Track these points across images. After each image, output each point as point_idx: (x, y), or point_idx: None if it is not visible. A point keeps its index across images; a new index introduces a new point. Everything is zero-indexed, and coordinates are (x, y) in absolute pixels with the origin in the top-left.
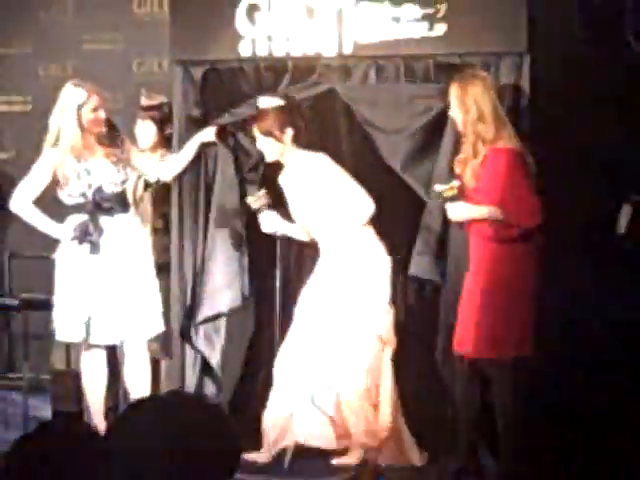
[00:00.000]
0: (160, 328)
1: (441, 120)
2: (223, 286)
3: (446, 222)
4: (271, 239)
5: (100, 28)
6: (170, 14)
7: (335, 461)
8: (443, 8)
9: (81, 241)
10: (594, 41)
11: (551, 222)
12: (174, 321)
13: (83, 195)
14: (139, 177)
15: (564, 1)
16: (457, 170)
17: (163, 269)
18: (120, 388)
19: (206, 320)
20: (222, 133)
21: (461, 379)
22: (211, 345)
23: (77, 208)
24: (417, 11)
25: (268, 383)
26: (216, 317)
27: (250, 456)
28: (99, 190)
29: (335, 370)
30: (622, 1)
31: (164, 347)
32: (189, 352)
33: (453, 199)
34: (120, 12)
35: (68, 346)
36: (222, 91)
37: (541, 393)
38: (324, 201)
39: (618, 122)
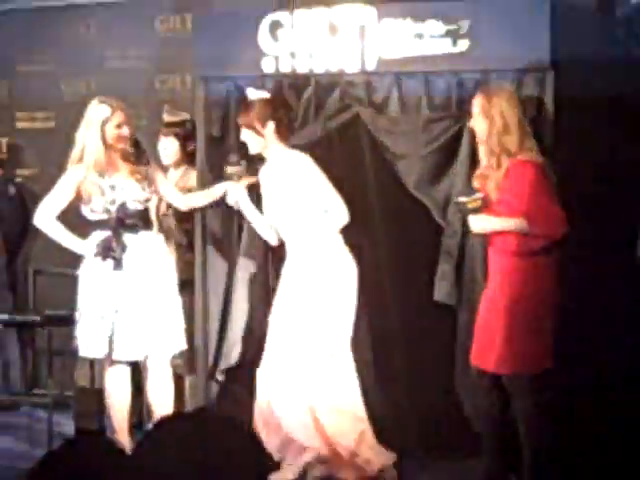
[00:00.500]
0: (182, 345)
1: (455, 142)
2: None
3: (464, 246)
4: None
5: (123, 45)
6: (193, 31)
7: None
8: (466, 24)
9: (104, 257)
10: (618, 56)
11: (570, 237)
12: (197, 337)
13: (106, 211)
14: None
15: (588, 16)
16: (476, 183)
17: (186, 285)
18: (144, 405)
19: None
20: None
21: (481, 394)
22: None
23: (101, 224)
24: (440, 27)
25: None
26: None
27: (276, 477)
28: (122, 207)
29: (307, 378)
30: None
31: (188, 363)
32: None
33: (476, 211)
34: (143, 29)
35: (92, 362)
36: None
37: (562, 407)
38: (300, 202)
39: None
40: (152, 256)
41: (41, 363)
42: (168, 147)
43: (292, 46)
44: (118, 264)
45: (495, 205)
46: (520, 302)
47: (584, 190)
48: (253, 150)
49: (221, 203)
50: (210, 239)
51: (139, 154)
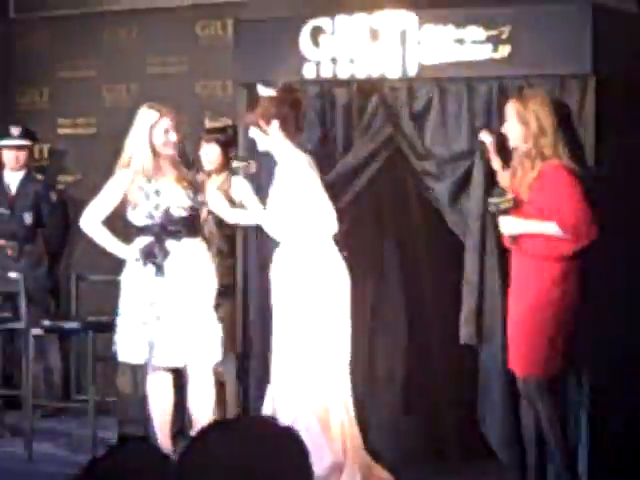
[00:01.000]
0: (220, 354)
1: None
2: None
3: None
4: None
5: (164, 51)
6: (234, 36)
7: None
8: (507, 30)
9: (145, 262)
10: None
11: (603, 242)
12: (238, 343)
13: (150, 216)
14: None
15: (630, 22)
16: (502, 182)
17: (228, 291)
18: (186, 412)
19: None
20: None
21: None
22: None
23: (144, 230)
24: (481, 33)
25: None
26: None
27: None
28: (166, 212)
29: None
30: None
31: (232, 369)
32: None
33: (506, 212)
34: (184, 35)
35: (134, 369)
36: None
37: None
38: (292, 203)
39: None
40: (194, 263)
41: (83, 370)
42: (210, 153)
43: (333, 52)
44: (160, 270)
45: (526, 207)
46: (544, 305)
47: (623, 196)
48: (261, 147)
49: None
50: (250, 244)
51: (188, 162)
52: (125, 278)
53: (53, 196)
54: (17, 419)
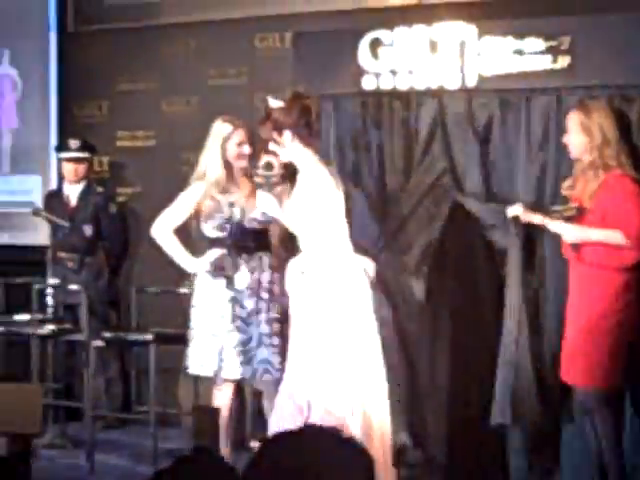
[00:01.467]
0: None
1: None
2: None
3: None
4: None
5: (223, 63)
6: (293, 49)
7: None
8: (567, 40)
9: (216, 275)
10: None
11: None
12: None
13: (223, 228)
14: None
15: None
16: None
17: None
18: (246, 422)
19: None
20: None
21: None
22: None
23: (217, 242)
24: (540, 44)
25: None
26: None
27: None
28: (239, 225)
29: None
30: None
31: None
32: None
33: (569, 219)
34: (243, 47)
35: (196, 380)
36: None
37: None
38: (307, 213)
39: None
40: (263, 277)
41: (143, 381)
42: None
43: (392, 63)
44: (230, 283)
45: (588, 216)
46: (609, 317)
47: None
48: (283, 158)
49: None
50: None
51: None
52: (196, 291)
53: (112, 208)
54: (78, 431)
